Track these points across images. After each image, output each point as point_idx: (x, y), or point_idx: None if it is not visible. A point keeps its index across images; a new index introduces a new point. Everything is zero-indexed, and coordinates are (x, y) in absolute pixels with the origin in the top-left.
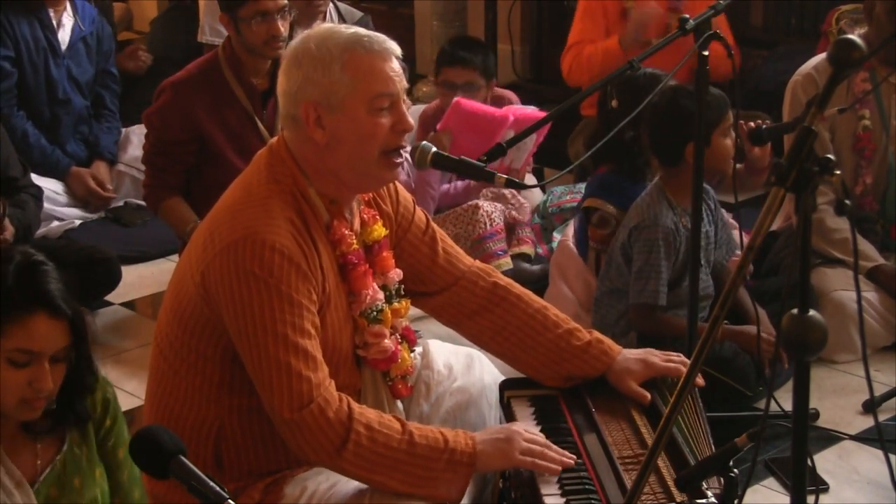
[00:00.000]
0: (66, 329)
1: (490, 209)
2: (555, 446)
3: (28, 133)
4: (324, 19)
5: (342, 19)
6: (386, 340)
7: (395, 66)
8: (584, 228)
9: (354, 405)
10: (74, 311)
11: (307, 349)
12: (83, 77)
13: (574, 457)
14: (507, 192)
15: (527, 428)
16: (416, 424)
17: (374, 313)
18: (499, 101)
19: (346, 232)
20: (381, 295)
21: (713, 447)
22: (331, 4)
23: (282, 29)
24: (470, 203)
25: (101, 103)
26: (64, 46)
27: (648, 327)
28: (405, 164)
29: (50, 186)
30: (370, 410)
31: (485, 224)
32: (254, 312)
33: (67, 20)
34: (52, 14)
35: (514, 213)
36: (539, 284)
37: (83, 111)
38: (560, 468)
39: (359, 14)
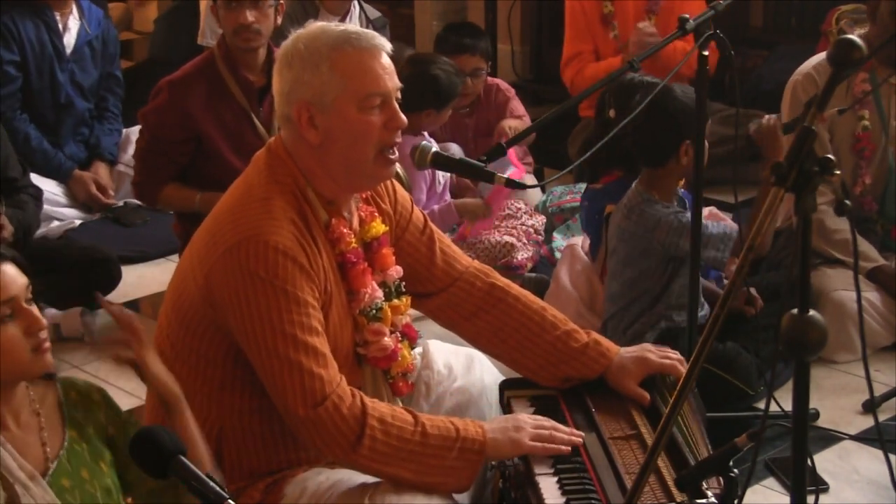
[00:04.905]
0: (17, 270)
1: (518, 246)
2: (561, 426)
3: (31, 136)
4: (346, 17)
5: (363, 13)
6: (385, 338)
7: (386, 62)
8: (600, 235)
9: (367, 400)
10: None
11: (317, 347)
12: (87, 81)
13: (582, 434)
14: (518, 207)
15: (529, 414)
16: (428, 415)
17: (374, 311)
18: (491, 91)
19: (345, 230)
20: (380, 293)
21: (710, 447)
22: (355, 1)
23: (250, 18)
24: (498, 240)
25: (105, 106)
26: (69, 51)
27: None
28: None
29: (49, 188)
30: (382, 404)
31: (514, 259)
32: (261, 314)
33: (73, 23)
34: (58, 17)
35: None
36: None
37: (85, 113)
38: (570, 448)
39: (377, 14)
